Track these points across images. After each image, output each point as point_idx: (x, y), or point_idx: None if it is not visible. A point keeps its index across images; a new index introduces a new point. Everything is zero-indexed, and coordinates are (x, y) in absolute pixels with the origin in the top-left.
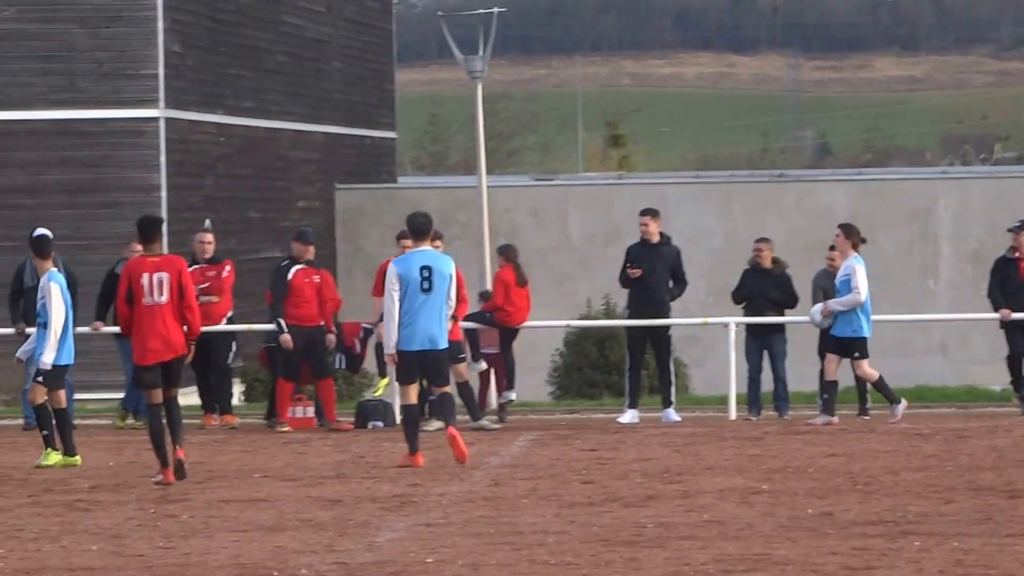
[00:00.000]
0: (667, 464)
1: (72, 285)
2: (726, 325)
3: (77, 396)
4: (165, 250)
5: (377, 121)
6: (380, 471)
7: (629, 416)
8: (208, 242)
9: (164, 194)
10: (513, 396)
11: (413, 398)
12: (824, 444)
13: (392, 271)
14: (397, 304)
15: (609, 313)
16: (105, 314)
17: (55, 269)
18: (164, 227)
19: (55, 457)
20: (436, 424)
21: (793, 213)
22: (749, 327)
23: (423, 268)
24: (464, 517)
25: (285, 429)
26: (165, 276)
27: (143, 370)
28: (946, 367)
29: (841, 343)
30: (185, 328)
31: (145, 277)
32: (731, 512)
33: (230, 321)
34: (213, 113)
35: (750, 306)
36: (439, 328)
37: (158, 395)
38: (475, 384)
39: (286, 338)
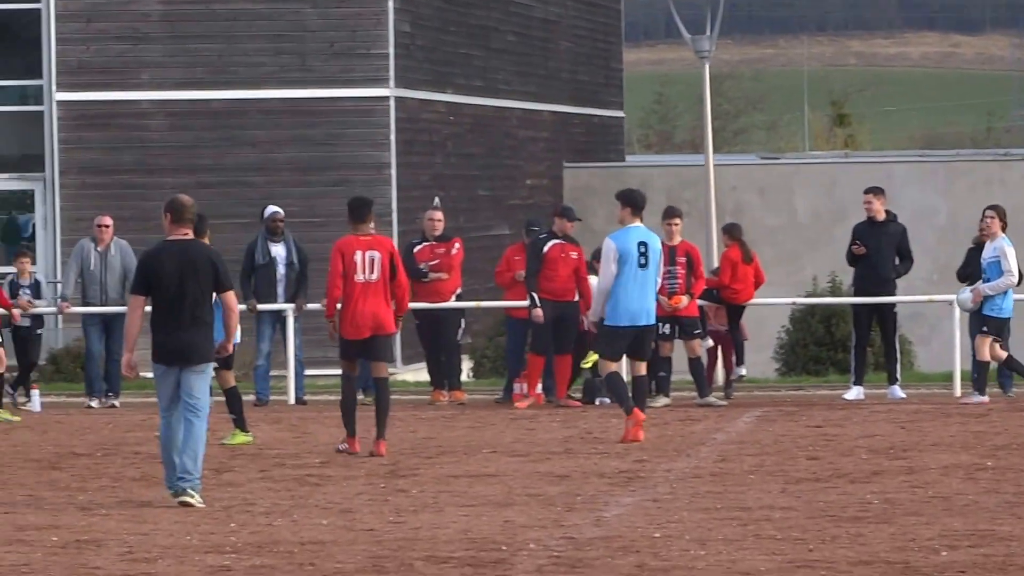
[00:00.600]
0: (892, 440)
1: (303, 262)
2: (951, 303)
3: (309, 372)
4: (394, 228)
5: (605, 100)
6: (607, 447)
7: (855, 393)
8: (438, 220)
9: (394, 172)
10: (743, 371)
11: (615, 367)
12: None
13: (611, 246)
14: (613, 279)
15: (835, 291)
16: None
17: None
18: (393, 204)
19: (242, 437)
20: (663, 400)
21: (1018, 191)
22: None
23: (640, 243)
24: (691, 492)
25: (527, 403)
26: (377, 255)
27: (347, 343)
28: None
29: (986, 322)
30: (394, 305)
31: (358, 255)
32: (956, 488)
33: (459, 298)
34: (443, 92)
35: (973, 284)
36: (652, 303)
37: (355, 367)
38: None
39: (538, 312)
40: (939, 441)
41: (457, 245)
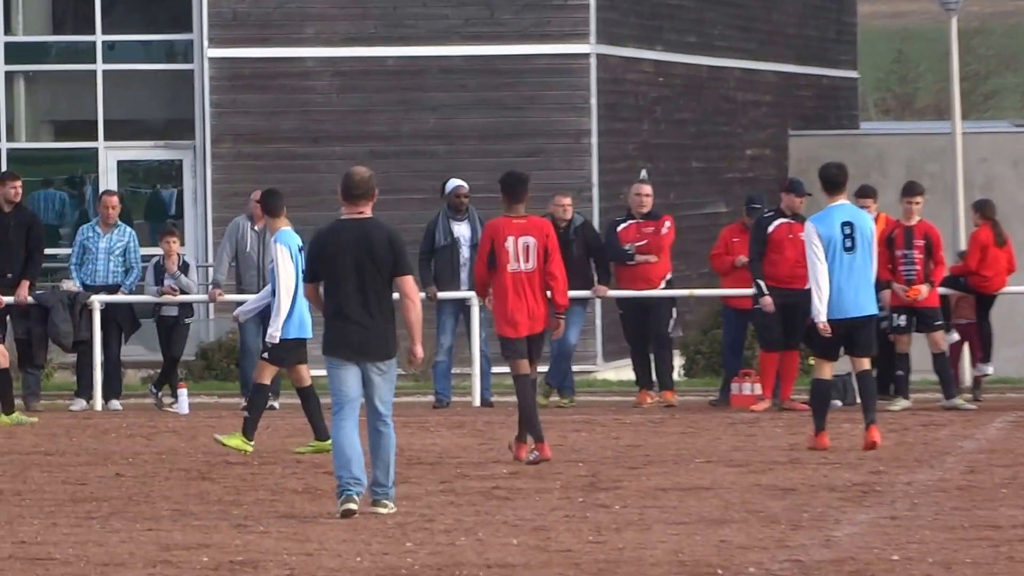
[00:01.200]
0: None
1: None
2: None
3: (496, 369)
4: (595, 204)
5: (836, 59)
6: (839, 456)
7: None
8: (646, 194)
9: (595, 140)
10: (990, 370)
11: (827, 373)
12: None
13: (811, 229)
14: (824, 266)
15: None
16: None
17: (288, 228)
18: (594, 177)
19: (237, 440)
20: (901, 403)
21: None
22: None
23: (844, 224)
24: (934, 509)
25: (764, 406)
26: (532, 241)
27: (507, 342)
28: None
29: None
30: (549, 296)
31: (510, 241)
32: None
33: (669, 284)
34: (651, 49)
35: None
36: (865, 292)
37: (526, 366)
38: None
39: (767, 301)
40: None
41: (668, 224)
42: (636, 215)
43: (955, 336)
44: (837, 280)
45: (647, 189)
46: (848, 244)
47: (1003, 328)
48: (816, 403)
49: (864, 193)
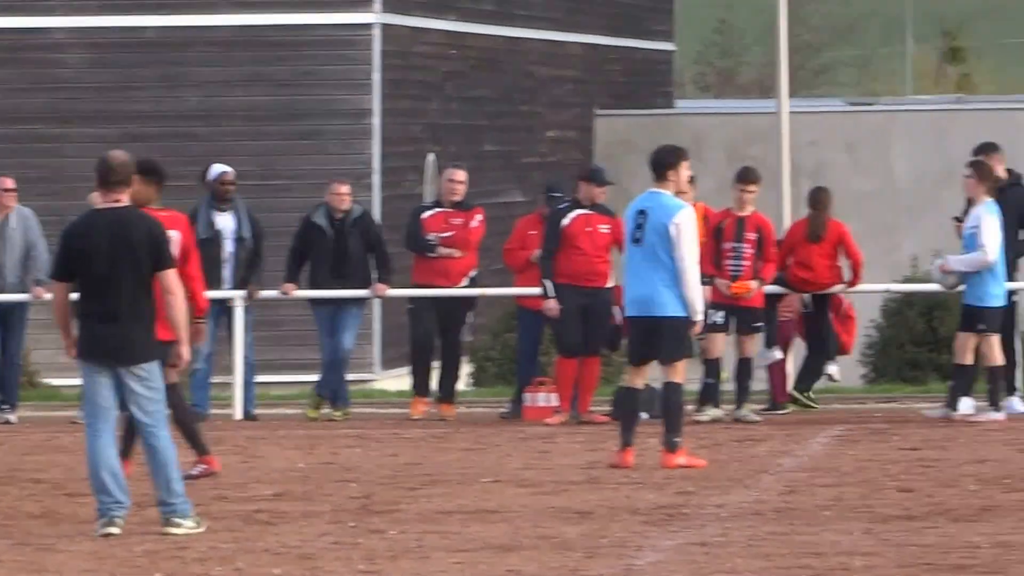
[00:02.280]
0: (1009, 468)
1: (257, 237)
2: None
3: (261, 378)
4: (375, 192)
5: (650, 29)
6: (643, 474)
7: (964, 406)
8: (460, 181)
9: (377, 121)
10: (833, 369)
11: (635, 381)
12: None
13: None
14: (694, 257)
15: None
16: (298, 274)
17: None
18: (375, 163)
19: None
20: (711, 412)
21: None
22: None
23: (638, 212)
24: (748, 534)
25: (561, 419)
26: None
27: None
28: None
29: (968, 313)
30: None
31: None
32: None
33: (472, 283)
34: (443, 19)
35: None
36: (658, 289)
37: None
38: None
39: (551, 304)
40: None
41: (479, 217)
42: (445, 203)
43: (778, 354)
44: (627, 274)
45: (461, 176)
46: (637, 235)
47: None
48: (620, 415)
49: (747, 178)
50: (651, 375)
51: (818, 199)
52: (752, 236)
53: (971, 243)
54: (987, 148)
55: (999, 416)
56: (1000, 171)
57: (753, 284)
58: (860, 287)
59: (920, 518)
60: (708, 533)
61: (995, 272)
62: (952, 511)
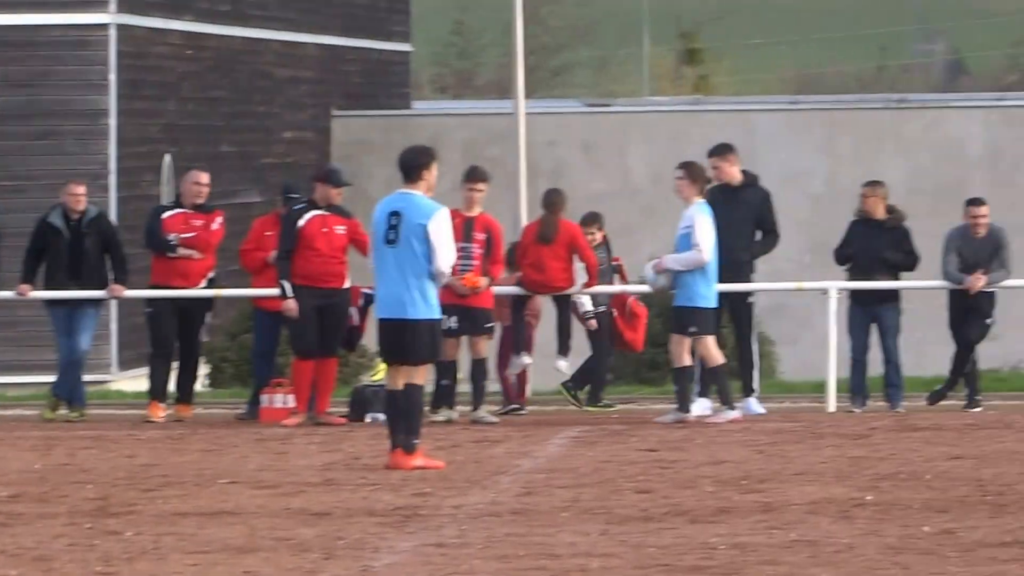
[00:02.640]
0: (746, 469)
1: None
2: (825, 291)
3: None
4: (112, 193)
5: (387, 30)
6: (380, 476)
7: (700, 407)
8: (205, 184)
9: (113, 121)
10: (527, 360)
11: (396, 382)
12: (946, 444)
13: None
14: (450, 258)
15: None
16: (34, 275)
17: None
18: (112, 164)
19: None
20: (445, 414)
21: (917, 149)
22: (854, 295)
23: (391, 214)
24: (486, 535)
25: (297, 420)
26: None
27: None
28: None
29: (678, 315)
30: None
31: None
32: (826, 530)
33: (211, 283)
34: (179, 19)
35: (855, 268)
36: (409, 292)
37: None
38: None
39: (290, 304)
40: (806, 469)
41: (219, 220)
42: (186, 205)
43: (527, 359)
44: (379, 276)
45: (206, 179)
46: (390, 237)
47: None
48: (386, 417)
49: (474, 177)
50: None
51: (551, 201)
52: (481, 236)
53: (684, 244)
54: (722, 149)
55: (735, 415)
56: (736, 172)
57: (483, 281)
58: (593, 289)
59: (657, 519)
60: (445, 534)
61: (706, 273)
62: (689, 512)
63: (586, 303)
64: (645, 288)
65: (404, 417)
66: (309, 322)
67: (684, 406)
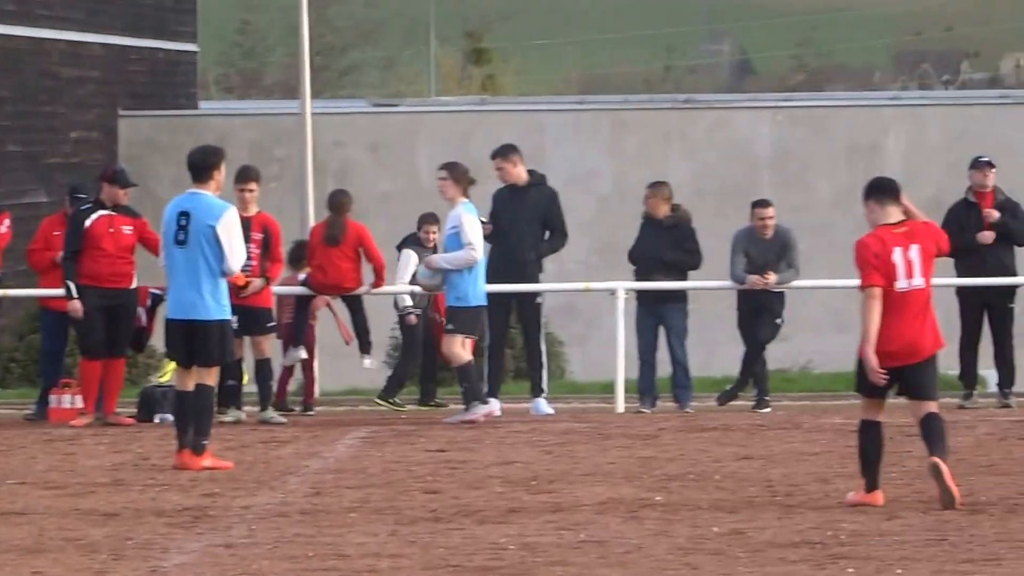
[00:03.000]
0: (535, 469)
1: None
2: (613, 292)
3: None
4: None
5: (174, 30)
6: (169, 477)
7: (488, 407)
8: None
9: None
10: (302, 355)
11: (187, 384)
12: (736, 444)
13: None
14: (241, 258)
15: None
16: None
17: None
18: None
19: None
20: (233, 414)
21: (703, 149)
22: (640, 296)
23: (181, 214)
24: (275, 536)
25: (86, 421)
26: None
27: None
28: None
29: (448, 314)
30: None
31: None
32: (615, 530)
33: None
34: None
35: (639, 268)
36: (198, 293)
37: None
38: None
39: (75, 305)
40: (595, 470)
41: (7, 222)
42: None
43: (303, 354)
44: (171, 277)
45: None
46: (181, 237)
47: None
48: (175, 418)
49: (246, 176)
50: None
51: (337, 202)
52: (258, 236)
53: (453, 244)
54: (506, 150)
55: (486, 409)
56: (521, 172)
57: (257, 282)
58: (385, 288)
59: (446, 519)
60: (234, 535)
61: (475, 273)
62: (478, 512)
63: (406, 299)
64: (417, 289)
65: (194, 418)
66: (96, 322)
67: (480, 399)
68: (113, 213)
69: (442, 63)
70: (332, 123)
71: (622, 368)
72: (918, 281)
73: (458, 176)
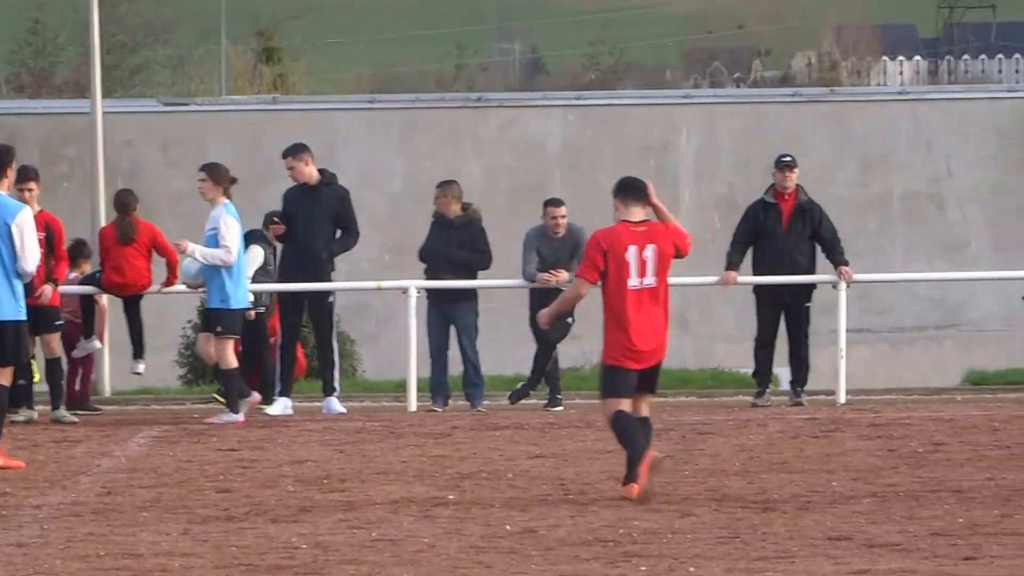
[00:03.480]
0: (327, 468)
1: None
2: (405, 291)
3: None
4: None
5: None
6: None
7: (280, 406)
8: None
9: None
10: (96, 344)
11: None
12: (529, 443)
13: None
14: (36, 257)
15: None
16: None
17: None
18: None
19: None
20: (25, 414)
21: (495, 147)
22: (431, 295)
23: None
24: (67, 535)
25: None
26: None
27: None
28: (686, 345)
29: (209, 317)
30: None
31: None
32: (408, 529)
33: None
34: None
35: (429, 268)
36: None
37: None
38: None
39: None
40: (387, 469)
41: None
42: None
43: (97, 344)
44: None
45: None
46: None
47: (151, 331)
48: None
49: (27, 176)
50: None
51: (123, 202)
52: (40, 235)
53: (212, 244)
54: (297, 149)
55: (238, 418)
56: (312, 171)
57: (47, 289)
58: (172, 289)
59: (239, 518)
60: (25, 534)
61: (234, 274)
62: (271, 511)
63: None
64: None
65: None
66: None
67: (234, 407)
68: None
69: (233, 62)
70: (123, 122)
71: (414, 366)
72: (650, 280)
73: (218, 177)
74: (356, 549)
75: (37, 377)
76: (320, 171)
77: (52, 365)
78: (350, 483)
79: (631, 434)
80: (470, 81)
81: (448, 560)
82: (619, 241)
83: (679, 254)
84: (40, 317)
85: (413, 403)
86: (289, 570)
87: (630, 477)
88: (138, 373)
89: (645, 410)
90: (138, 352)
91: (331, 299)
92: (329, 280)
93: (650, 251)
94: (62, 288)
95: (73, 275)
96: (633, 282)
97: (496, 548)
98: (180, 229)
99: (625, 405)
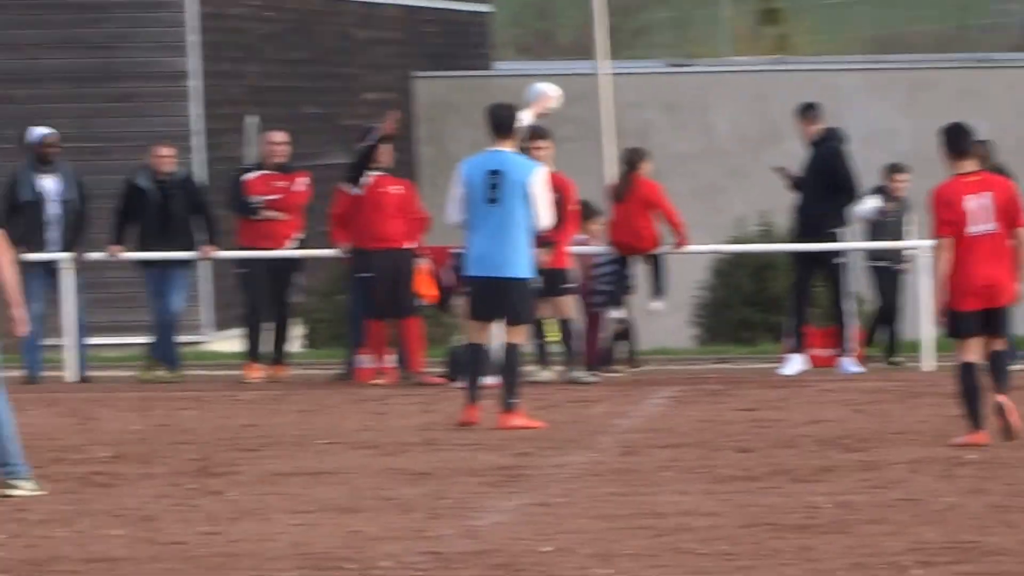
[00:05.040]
0: (846, 428)
1: (82, 199)
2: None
3: (94, 340)
4: (194, 155)
5: None
6: (480, 436)
7: (795, 365)
8: (279, 142)
9: (196, 83)
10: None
11: (482, 337)
12: None
13: (457, 172)
14: (455, 211)
15: (768, 235)
16: (124, 236)
17: None
18: (196, 124)
19: None
20: (546, 374)
21: (1001, 106)
22: None
23: (491, 172)
24: (589, 495)
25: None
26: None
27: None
28: None
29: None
30: None
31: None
32: (929, 488)
33: (301, 244)
34: None
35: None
36: (513, 250)
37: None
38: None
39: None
40: (906, 428)
41: (303, 181)
42: (267, 166)
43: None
44: (478, 234)
45: (280, 137)
46: (492, 195)
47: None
48: (468, 372)
49: (536, 135)
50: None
51: (626, 159)
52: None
53: None
54: (809, 109)
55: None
56: (813, 131)
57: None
58: (691, 248)
59: (759, 479)
60: (549, 494)
61: None
62: (791, 472)
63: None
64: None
65: (504, 377)
66: (384, 282)
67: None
68: (383, 174)
69: (735, 23)
70: (627, 84)
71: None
72: None
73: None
74: (878, 508)
75: (555, 337)
76: (827, 129)
77: (565, 326)
78: (870, 443)
79: None
80: (973, 42)
81: (971, 519)
82: None
83: None
84: (549, 279)
85: (928, 361)
86: (813, 529)
87: None
88: (656, 311)
89: None
90: (657, 291)
91: (837, 259)
92: (833, 238)
93: None
94: (573, 249)
95: (581, 237)
96: None
97: (1019, 508)
98: (688, 190)
99: None
